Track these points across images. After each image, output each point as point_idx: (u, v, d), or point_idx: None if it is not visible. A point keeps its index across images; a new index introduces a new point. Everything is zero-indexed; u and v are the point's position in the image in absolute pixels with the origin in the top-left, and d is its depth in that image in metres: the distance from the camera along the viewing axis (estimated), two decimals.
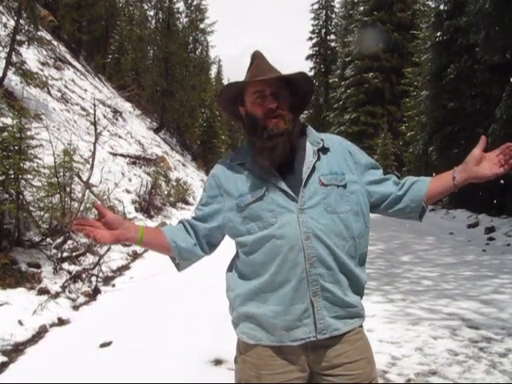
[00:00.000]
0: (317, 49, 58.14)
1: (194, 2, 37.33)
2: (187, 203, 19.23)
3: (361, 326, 1.85)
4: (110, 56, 36.78)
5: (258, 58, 1.87)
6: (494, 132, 13.50)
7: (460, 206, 17.35)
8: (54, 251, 7.01)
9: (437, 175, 1.94)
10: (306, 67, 56.97)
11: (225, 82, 74.55)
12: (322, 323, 1.72)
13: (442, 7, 19.56)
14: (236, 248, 1.89)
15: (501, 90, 14.21)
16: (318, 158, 1.83)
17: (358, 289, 1.83)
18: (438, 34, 19.30)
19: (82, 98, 18.82)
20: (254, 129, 1.81)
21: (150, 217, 13.43)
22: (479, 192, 17.36)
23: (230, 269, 1.93)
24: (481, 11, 13.06)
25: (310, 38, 58.04)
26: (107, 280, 7.50)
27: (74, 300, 6.19)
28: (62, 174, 8.00)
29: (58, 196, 7.67)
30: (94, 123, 10.65)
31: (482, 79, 16.43)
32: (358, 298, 1.83)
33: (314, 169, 1.80)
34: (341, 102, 41.46)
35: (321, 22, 58.31)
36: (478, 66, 16.28)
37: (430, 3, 26.90)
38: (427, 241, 12.23)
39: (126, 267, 8.69)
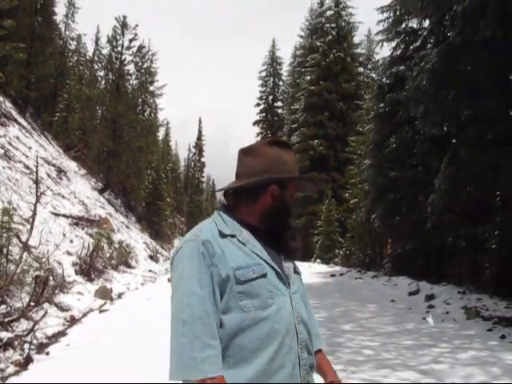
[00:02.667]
0: (264, 115, 59.48)
1: (145, 65, 37.75)
2: (129, 266, 18.85)
3: None
4: (58, 114, 36.57)
5: (291, 152, 1.90)
6: (433, 201, 13.95)
7: (401, 272, 17.61)
8: None
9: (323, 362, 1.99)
10: (253, 132, 58.14)
11: (172, 143, 75.00)
12: None
13: (384, 80, 20.43)
14: None
15: (439, 161, 14.78)
16: None
17: None
18: (381, 105, 20.03)
19: (26, 156, 18.51)
20: (283, 216, 1.82)
21: (91, 280, 13.06)
22: (419, 259, 17.75)
23: None
24: (419, 87, 13.69)
25: (258, 104, 59.47)
26: (41, 347, 7.18)
27: (1, 370, 5.86)
28: None
29: None
30: (36, 182, 10.46)
31: (422, 150, 17.10)
32: None
33: None
34: None
35: (268, 89, 60.00)
36: (418, 137, 16.96)
37: (374, 75, 28.13)
38: (369, 308, 12.28)
39: (62, 333, 8.35)
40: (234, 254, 1.68)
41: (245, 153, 1.84)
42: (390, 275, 18.50)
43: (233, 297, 1.64)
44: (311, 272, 24.29)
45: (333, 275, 22.39)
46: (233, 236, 1.73)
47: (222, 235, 1.72)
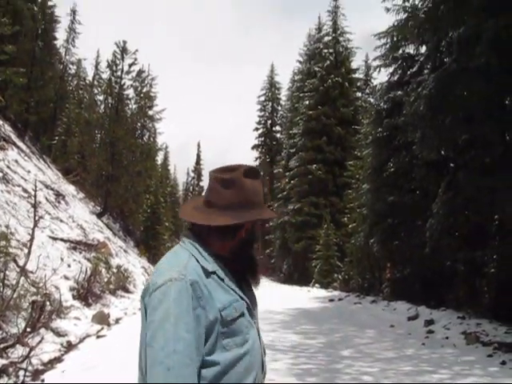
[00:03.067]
0: (262, 139, 59.91)
1: (144, 90, 37.95)
2: (127, 291, 18.72)
3: None
4: (57, 138, 36.70)
5: (260, 181, 1.86)
6: (432, 226, 13.97)
7: (400, 297, 17.55)
8: None
9: None
10: (252, 157, 58.40)
11: (171, 168, 74.82)
12: None
13: (382, 105, 20.59)
14: None
15: (437, 185, 14.85)
16: None
17: None
18: (379, 130, 20.17)
19: (25, 180, 18.49)
20: (251, 247, 1.84)
21: (88, 305, 12.96)
22: (418, 284, 17.69)
23: None
24: (416, 113, 13.80)
25: (256, 129, 59.98)
26: (36, 374, 7.07)
27: None
28: None
29: None
30: (34, 206, 10.44)
31: (420, 175, 17.18)
32: None
33: None
34: (285, 193, 42.36)
35: (267, 114, 60.55)
36: (416, 161, 17.05)
37: (372, 100, 28.33)
38: (368, 334, 12.20)
39: (58, 359, 8.24)
40: (217, 293, 1.65)
41: (221, 182, 1.75)
42: (389, 300, 18.44)
43: (218, 337, 1.62)
44: (310, 297, 24.22)
45: (331, 300, 22.31)
46: (213, 273, 1.69)
47: (207, 274, 1.67)
